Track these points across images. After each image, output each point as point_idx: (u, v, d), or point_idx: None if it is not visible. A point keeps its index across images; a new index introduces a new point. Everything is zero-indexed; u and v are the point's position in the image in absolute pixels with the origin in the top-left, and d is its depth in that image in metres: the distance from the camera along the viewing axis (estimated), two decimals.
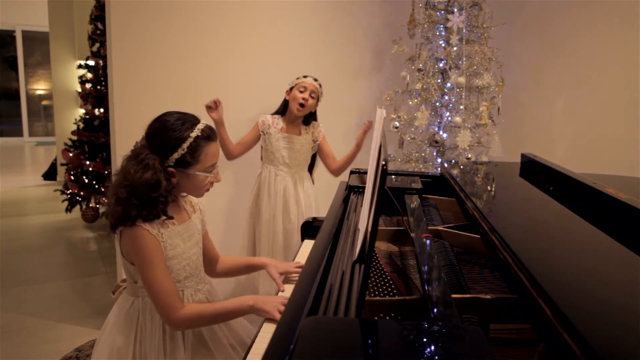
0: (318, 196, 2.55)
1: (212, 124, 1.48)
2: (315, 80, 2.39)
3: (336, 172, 2.50)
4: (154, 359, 1.32)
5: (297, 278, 1.40)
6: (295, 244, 2.41)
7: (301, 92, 2.35)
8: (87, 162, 4.25)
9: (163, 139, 1.30)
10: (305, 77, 2.39)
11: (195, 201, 1.49)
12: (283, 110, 2.46)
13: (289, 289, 1.41)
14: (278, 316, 1.23)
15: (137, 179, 1.25)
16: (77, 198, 4.46)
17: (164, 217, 1.31)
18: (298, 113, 2.38)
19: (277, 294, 1.41)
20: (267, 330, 1.21)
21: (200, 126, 1.33)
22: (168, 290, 1.27)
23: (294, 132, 2.43)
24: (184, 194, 1.44)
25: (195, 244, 1.43)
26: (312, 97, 2.36)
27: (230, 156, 2.44)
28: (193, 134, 1.31)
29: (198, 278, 1.44)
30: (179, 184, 1.35)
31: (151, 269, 1.27)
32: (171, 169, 1.31)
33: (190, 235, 1.41)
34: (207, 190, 1.41)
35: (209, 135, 1.35)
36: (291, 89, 2.39)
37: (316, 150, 2.48)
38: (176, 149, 1.30)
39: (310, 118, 2.46)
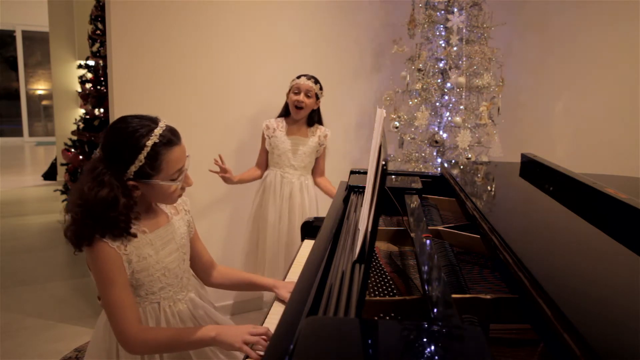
0: (318, 196, 2.55)
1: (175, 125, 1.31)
2: (310, 78, 2.36)
3: (317, 185, 2.53)
4: None
5: None
6: (298, 245, 2.43)
7: (296, 93, 2.35)
8: (87, 162, 4.25)
9: (118, 151, 1.18)
10: (298, 77, 2.37)
11: (179, 201, 1.36)
12: (286, 112, 2.46)
13: (281, 309, 1.32)
14: (245, 348, 1.13)
15: (92, 198, 1.14)
16: None
17: (128, 236, 1.20)
18: (296, 116, 2.38)
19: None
20: None
21: (157, 131, 1.18)
22: (127, 308, 1.17)
23: (299, 133, 2.43)
24: None
25: (176, 250, 1.32)
26: (308, 97, 2.34)
27: (260, 178, 2.51)
28: (150, 142, 1.17)
29: (178, 287, 1.34)
30: (144, 195, 1.24)
31: (108, 286, 1.17)
32: (131, 182, 1.19)
33: (167, 241, 1.30)
34: (180, 195, 1.30)
35: (170, 139, 1.20)
36: (289, 91, 2.40)
37: (320, 154, 2.49)
38: (133, 161, 1.17)
39: (313, 119, 2.45)
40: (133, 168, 1.18)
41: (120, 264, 1.19)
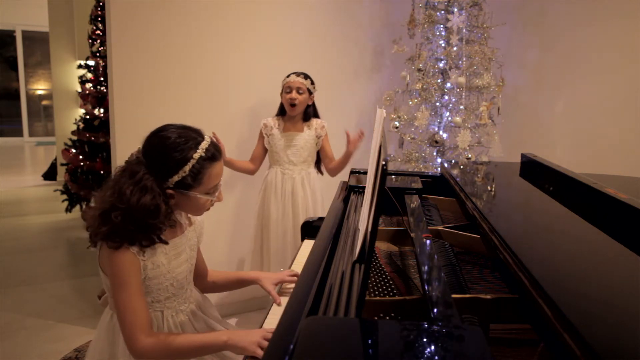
0: (322, 191, 2.55)
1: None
2: (299, 75, 2.38)
3: (332, 172, 2.52)
4: None
5: (291, 288, 1.37)
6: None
7: (287, 92, 2.38)
8: (87, 162, 4.25)
9: (163, 159, 1.18)
10: (288, 76, 2.40)
11: None
12: (282, 111, 2.48)
13: (283, 301, 1.31)
14: (258, 352, 1.11)
15: (134, 203, 1.13)
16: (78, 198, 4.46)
17: (158, 242, 1.20)
18: (291, 113, 2.41)
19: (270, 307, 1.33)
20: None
21: (204, 145, 1.21)
22: (138, 313, 1.16)
23: (295, 129, 2.45)
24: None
25: (186, 261, 1.33)
26: (300, 93, 2.37)
27: (252, 173, 2.50)
28: (196, 155, 1.19)
29: (182, 298, 1.34)
30: (176, 204, 1.25)
31: (124, 287, 1.16)
32: (170, 191, 1.20)
33: (179, 252, 1.31)
34: (207, 209, 1.31)
35: (214, 154, 1.23)
36: (282, 91, 2.42)
37: (320, 146, 2.49)
38: (177, 171, 1.18)
39: (309, 114, 2.46)
40: (176, 178, 1.19)
41: (138, 268, 1.19)
